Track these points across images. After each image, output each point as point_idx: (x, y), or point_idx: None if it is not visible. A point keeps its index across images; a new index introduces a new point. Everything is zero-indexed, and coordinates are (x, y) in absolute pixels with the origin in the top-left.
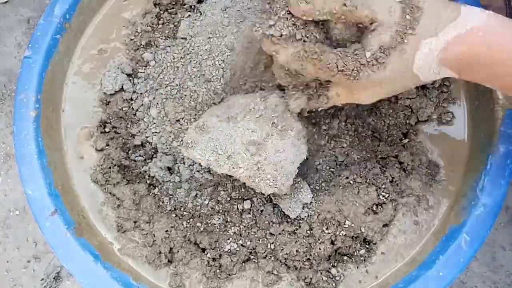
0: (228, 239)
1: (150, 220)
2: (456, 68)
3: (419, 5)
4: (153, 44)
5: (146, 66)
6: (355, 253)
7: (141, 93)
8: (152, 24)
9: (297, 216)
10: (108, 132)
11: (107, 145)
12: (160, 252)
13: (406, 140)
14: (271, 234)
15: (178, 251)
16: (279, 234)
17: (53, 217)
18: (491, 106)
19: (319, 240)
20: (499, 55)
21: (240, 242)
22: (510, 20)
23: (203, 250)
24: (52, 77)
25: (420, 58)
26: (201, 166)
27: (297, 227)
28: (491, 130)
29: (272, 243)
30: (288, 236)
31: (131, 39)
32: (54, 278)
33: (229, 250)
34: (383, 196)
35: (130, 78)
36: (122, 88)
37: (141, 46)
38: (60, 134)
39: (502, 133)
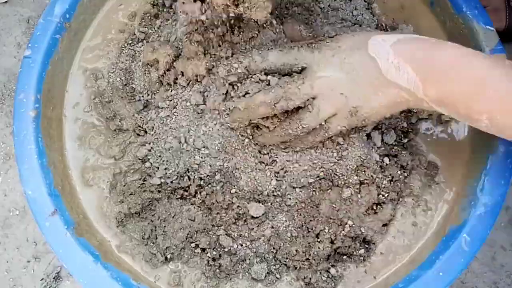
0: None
1: (149, 217)
2: (415, 65)
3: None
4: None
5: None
6: (354, 253)
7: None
8: (151, 26)
9: None
10: None
11: None
12: (159, 250)
13: (406, 140)
14: (271, 233)
15: (177, 250)
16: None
17: (52, 217)
18: None
19: (318, 239)
20: (449, 64)
21: (240, 242)
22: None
23: (203, 249)
24: (52, 77)
25: (373, 43)
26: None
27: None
28: None
29: (272, 243)
30: (288, 235)
31: (131, 41)
32: (54, 278)
33: (228, 250)
34: (383, 195)
35: (130, 80)
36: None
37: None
38: (60, 134)
39: None
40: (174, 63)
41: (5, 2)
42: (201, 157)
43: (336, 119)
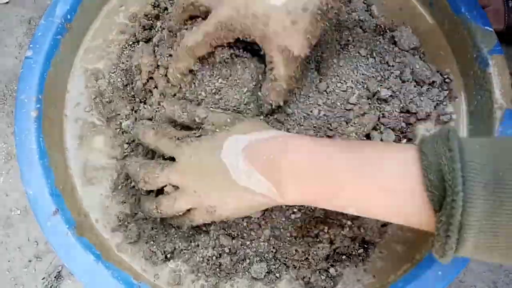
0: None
1: (150, 217)
2: (265, 171)
3: (241, 117)
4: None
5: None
6: (354, 253)
7: None
8: (152, 27)
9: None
10: None
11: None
12: (159, 249)
13: (405, 141)
14: (271, 233)
15: (177, 249)
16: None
17: (54, 217)
18: (490, 106)
19: (318, 239)
20: (299, 163)
21: (240, 241)
22: (330, 146)
23: (204, 248)
24: (53, 77)
25: (226, 145)
26: None
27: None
28: (490, 131)
29: (272, 242)
30: (288, 235)
31: (132, 42)
32: (55, 278)
33: (228, 250)
34: None
35: (131, 81)
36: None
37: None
38: (61, 134)
39: (500, 133)
40: (154, 74)
41: (7, 2)
42: None
43: (198, 212)
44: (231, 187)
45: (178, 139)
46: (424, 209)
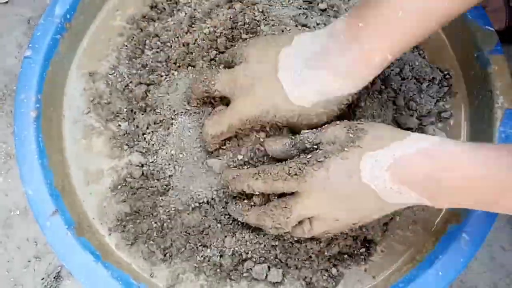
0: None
1: (150, 216)
2: (419, 189)
3: (361, 127)
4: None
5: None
6: (356, 252)
7: None
8: (149, 29)
9: None
10: None
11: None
12: (158, 249)
13: None
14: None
15: (177, 248)
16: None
17: (53, 217)
18: (491, 106)
19: (320, 240)
20: (460, 181)
21: (241, 242)
22: (465, 143)
23: (204, 248)
24: (52, 77)
25: (366, 168)
26: None
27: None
28: (490, 130)
29: (273, 243)
30: (289, 236)
31: (129, 43)
32: (54, 278)
33: (229, 250)
34: None
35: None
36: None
37: (140, 48)
38: (60, 134)
39: (501, 133)
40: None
41: (6, 2)
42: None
43: (334, 230)
44: (382, 207)
45: (295, 174)
46: None
